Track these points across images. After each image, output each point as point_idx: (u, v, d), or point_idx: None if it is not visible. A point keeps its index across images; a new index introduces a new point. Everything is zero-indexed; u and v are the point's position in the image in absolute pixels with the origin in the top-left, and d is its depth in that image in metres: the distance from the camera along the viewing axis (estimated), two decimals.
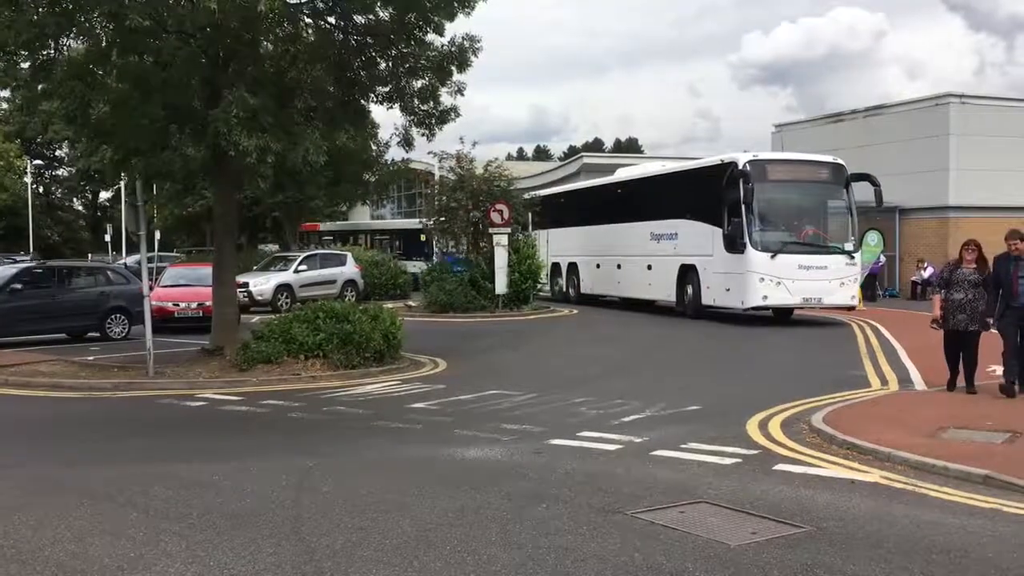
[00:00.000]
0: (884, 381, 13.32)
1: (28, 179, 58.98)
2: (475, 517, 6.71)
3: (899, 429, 9.39)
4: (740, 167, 20.85)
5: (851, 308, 22.04)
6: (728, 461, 8.43)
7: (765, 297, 20.65)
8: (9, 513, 6.89)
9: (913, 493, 7.30)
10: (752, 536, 6.21)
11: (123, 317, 20.69)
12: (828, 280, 20.85)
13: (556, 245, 31.12)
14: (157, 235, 32.92)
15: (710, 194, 22.23)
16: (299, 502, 7.16)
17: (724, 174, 21.49)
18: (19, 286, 19.78)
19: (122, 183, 39.06)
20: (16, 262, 28.54)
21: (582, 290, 30.00)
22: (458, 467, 8.50)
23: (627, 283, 26.97)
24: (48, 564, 5.74)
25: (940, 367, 14.03)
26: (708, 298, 22.48)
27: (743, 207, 20.73)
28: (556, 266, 31.40)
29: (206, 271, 22.43)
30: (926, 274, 30.78)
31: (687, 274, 23.40)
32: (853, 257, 21.46)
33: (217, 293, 16.62)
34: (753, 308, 21.05)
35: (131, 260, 40.32)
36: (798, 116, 70.04)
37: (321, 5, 15.62)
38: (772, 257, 20.50)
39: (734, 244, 21.05)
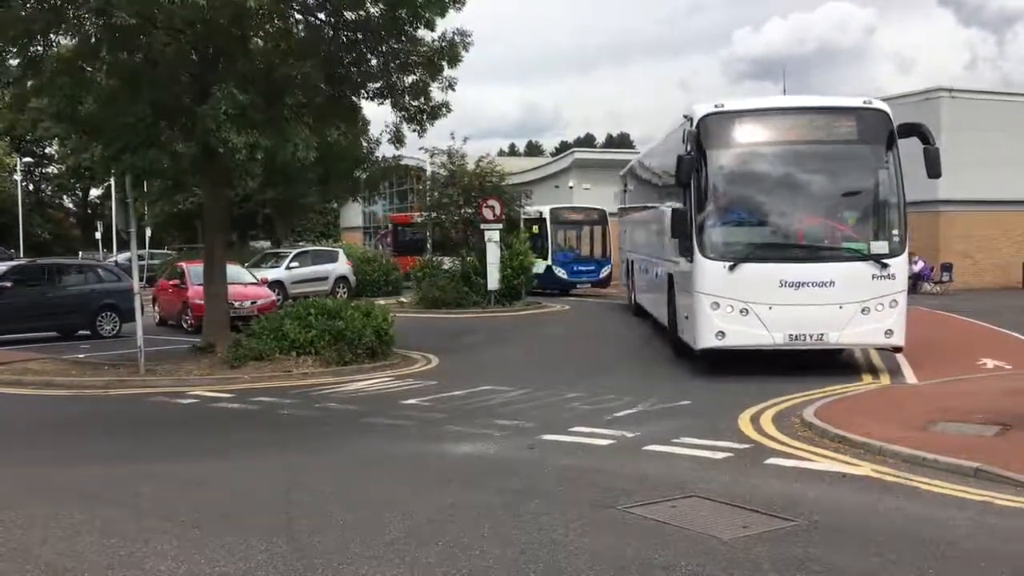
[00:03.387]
0: (875, 375, 13.35)
1: (18, 176, 58.72)
2: (467, 513, 6.70)
3: (890, 422, 9.40)
4: (693, 126, 13.30)
5: (896, 349, 13.45)
6: (720, 455, 8.44)
7: (721, 335, 12.81)
8: (1, 510, 6.85)
9: (904, 486, 7.31)
10: (744, 530, 6.21)
11: (114, 315, 20.60)
12: (837, 304, 12.66)
13: (626, 237, 25.00)
14: (148, 232, 32.75)
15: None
16: (290, 499, 7.15)
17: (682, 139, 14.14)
18: (9, 284, 19.69)
19: (112, 180, 38.95)
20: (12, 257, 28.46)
21: (635, 299, 22.79)
22: (450, 463, 8.50)
23: (639, 292, 22.12)
24: (38, 563, 5.72)
25: (932, 360, 14.09)
26: (683, 328, 14.62)
27: (692, 190, 13.15)
28: (627, 265, 24.34)
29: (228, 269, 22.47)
30: (917, 268, 30.84)
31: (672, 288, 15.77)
32: (887, 265, 12.74)
33: (208, 290, 16.58)
34: (704, 352, 13.26)
35: (122, 258, 40.22)
36: None
37: (311, 1, 15.58)
38: (731, 269, 12.67)
39: (684, 248, 13.63)
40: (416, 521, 6.50)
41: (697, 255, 13.03)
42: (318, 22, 15.89)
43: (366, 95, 16.44)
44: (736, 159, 13.48)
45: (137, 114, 14.43)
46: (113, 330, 20.51)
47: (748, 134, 13.51)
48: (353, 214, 60.48)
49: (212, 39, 14.50)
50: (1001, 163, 30.82)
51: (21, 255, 46.43)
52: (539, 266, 29.49)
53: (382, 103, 16.41)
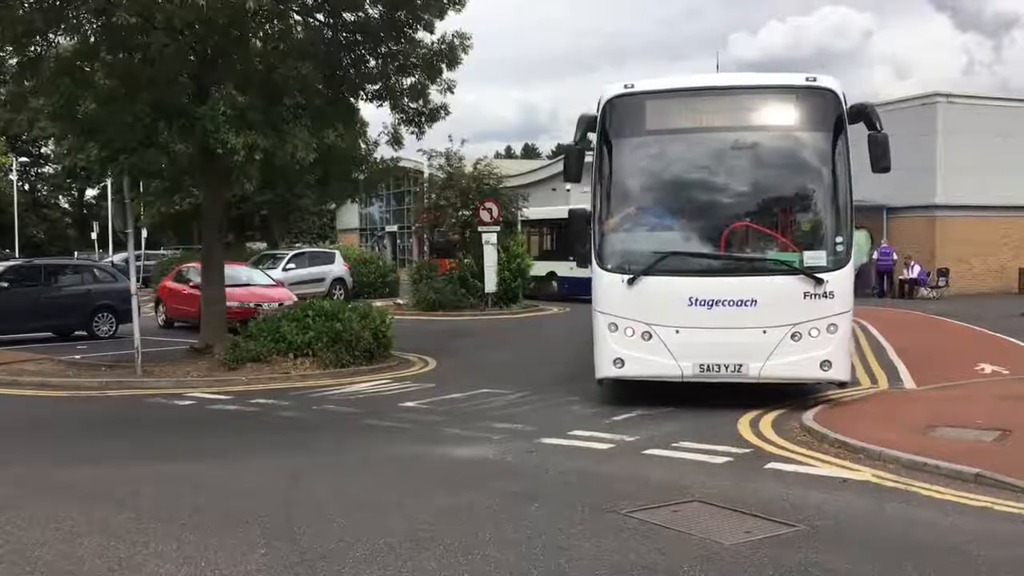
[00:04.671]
0: (874, 380, 13.35)
1: (13, 176, 58.61)
2: (468, 516, 6.69)
3: (890, 427, 9.41)
4: (598, 110, 11.19)
5: (841, 384, 11.15)
6: (720, 460, 8.43)
7: (619, 362, 10.86)
8: None
9: (905, 491, 7.31)
10: (746, 535, 6.20)
11: (110, 315, 20.56)
12: (760, 328, 10.44)
13: None
14: (144, 233, 32.72)
15: None
16: (290, 502, 7.12)
17: None
18: (5, 284, 19.64)
19: (109, 180, 38.87)
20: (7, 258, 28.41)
21: None
22: (450, 466, 8.48)
23: None
24: (37, 565, 5.69)
25: (929, 365, 14.11)
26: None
27: (594, 186, 11.22)
28: None
29: (238, 270, 22.37)
30: (914, 272, 30.90)
31: None
32: (823, 281, 10.38)
33: (205, 292, 16.54)
34: (604, 382, 11.47)
35: (118, 258, 40.15)
36: None
37: (310, 2, 15.56)
38: (630, 283, 10.68)
39: (583, 256, 11.84)
40: (417, 524, 6.48)
41: (595, 266, 11.01)
42: (317, 23, 15.87)
43: (365, 97, 16.43)
44: (645, 150, 11.42)
45: (136, 114, 14.40)
46: (109, 331, 20.46)
47: (661, 119, 11.29)
48: (350, 216, 60.47)
49: (211, 40, 14.48)
50: (998, 168, 30.93)
51: (16, 255, 46.33)
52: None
53: (381, 105, 16.40)
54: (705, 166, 11.33)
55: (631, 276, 10.71)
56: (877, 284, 31.69)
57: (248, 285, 22.26)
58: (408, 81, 16.05)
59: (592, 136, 11.20)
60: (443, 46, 15.59)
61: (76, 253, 51.55)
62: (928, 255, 31.38)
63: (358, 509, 6.89)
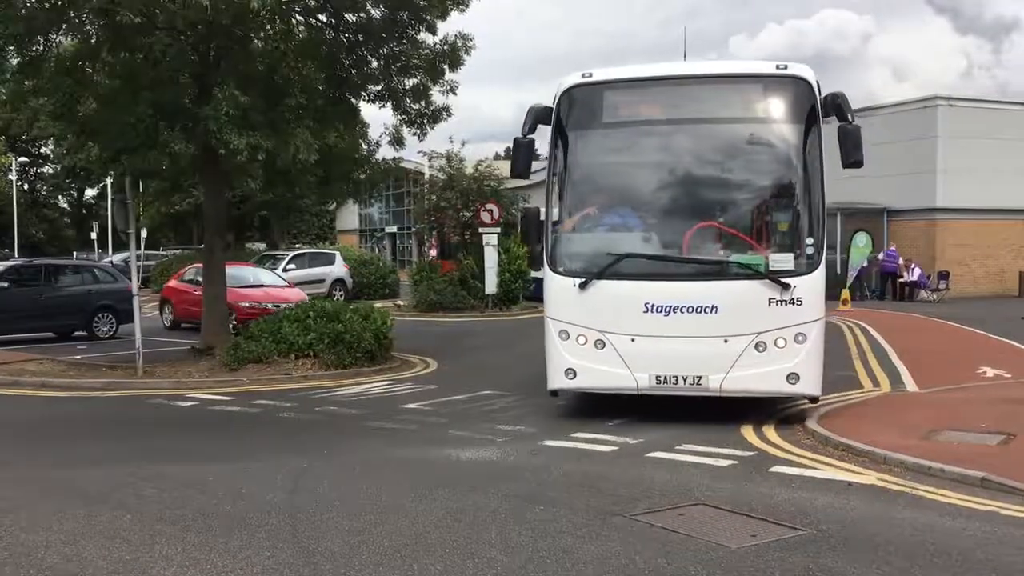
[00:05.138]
0: (876, 382, 13.34)
1: (13, 176, 58.57)
2: (473, 519, 6.67)
3: (893, 430, 9.39)
4: (555, 101, 10.51)
5: (812, 399, 10.26)
6: (724, 463, 8.41)
7: (571, 373, 10.21)
8: (1, 515, 6.80)
9: (911, 495, 7.30)
10: (752, 538, 6.19)
11: (110, 316, 20.54)
12: (721, 337, 9.71)
13: None
14: (144, 233, 32.70)
15: None
16: (294, 504, 7.10)
17: None
18: (5, 284, 19.62)
19: (108, 181, 38.86)
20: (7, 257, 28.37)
21: None
22: (454, 468, 8.45)
23: None
24: (42, 567, 5.66)
25: (931, 368, 14.10)
26: None
27: (548, 183, 10.75)
28: None
29: (243, 271, 22.26)
30: (914, 275, 30.90)
31: None
32: (790, 286, 9.59)
33: (207, 292, 16.52)
34: (554, 393, 10.72)
35: (117, 258, 40.13)
36: None
37: (312, 3, 15.56)
38: (582, 287, 10.03)
39: (536, 258, 10.93)
40: (422, 527, 6.46)
41: (546, 268, 10.38)
42: (319, 24, 15.88)
43: (367, 97, 16.44)
44: (602, 143, 10.78)
45: (137, 115, 14.39)
46: (110, 331, 20.45)
47: (619, 111, 10.63)
48: (349, 217, 60.47)
49: (214, 40, 14.48)
50: (998, 172, 30.96)
51: (16, 255, 46.30)
52: None
53: (383, 106, 16.42)
54: (667, 161, 10.54)
55: (583, 280, 10.03)
56: (879, 286, 31.68)
57: (262, 286, 22.21)
58: (410, 82, 16.07)
59: (545, 129, 10.55)
60: (445, 47, 15.61)
61: (75, 253, 51.53)
62: (928, 258, 31.37)
63: (362, 511, 6.86)
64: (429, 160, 29.52)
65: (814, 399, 10.27)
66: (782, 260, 9.73)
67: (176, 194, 42.55)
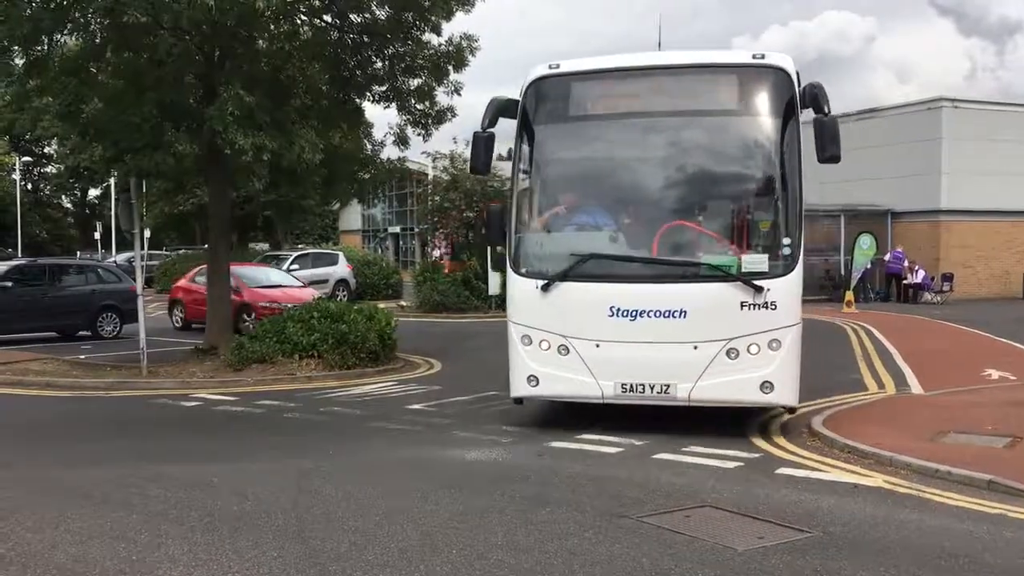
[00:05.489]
0: (881, 384, 13.31)
1: (16, 176, 58.65)
2: (479, 520, 6.66)
3: (899, 433, 9.37)
4: (521, 93, 10.03)
5: (789, 409, 9.87)
6: (730, 465, 8.40)
7: (533, 380, 9.70)
8: (7, 515, 6.80)
9: (917, 498, 7.28)
10: (759, 540, 6.17)
11: (114, 315, 20.56)
12: (691, 344, 9.18)
13: None
14: (147, 233, 32.72)
15: None
16: (300, 504, 7.09)
17: None
18: (9, 284, 19.64)
19: (112, 181, 38.90)
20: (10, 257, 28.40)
21: None
22: (459, 469, 8.44)
23: None
24: (49, 567, 5.66)
25: (936, 371, 14.08)
26: None
27: (512, 180, 10.25)
28: None
29: (260, 271, 22.19)
30: (918, 277, 30.86)
31: None
32: (763, 289, 9.03)
33: (211, 292, 16.53)
34: (518, 401, 10.22)
35: (120, 258, 40.17)
36: None
37: (317, 3, 15.57)
38: (545, 289, 9.51)
39: (496, 260, 10.46)
40: (428, 528, 6.45)
41: (509, 270, 9.90)
42: (324, 24, 15.88)
43: (371, 98, 16.45)
44: (568, 138, 10.26)
45: (143, 115, 14.41)
46: (114, 331, 20.47)
47: (587, 104, 10.10)
48: (352, 217, 60.45)
49: (218, 40, 14.48)
50: (1002, 173, 30.93)
51: (19, 254, 46.34)
52: None
53: (388, 106, 16.43)
54: (637, 156, 10.07)
55: (546, 282, 9.48)
56: (883, 288, 31.64)
57: (279, 286, 22.20)
58: (415, 82, 16.08)
59: (507, 122, 10.08)
60: (450, 48, 15.62)
61: (79, 253, 51.57)
62: (932, 260, 31.32)
63: (369, 512, 6.85)
64: (433, 161, 29.52)
65: (791, 409, 9.77)
66: (756, 261, 9.15)
67: (180, 194, 42.69)
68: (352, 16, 15.60)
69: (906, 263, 31.09)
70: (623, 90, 10.01)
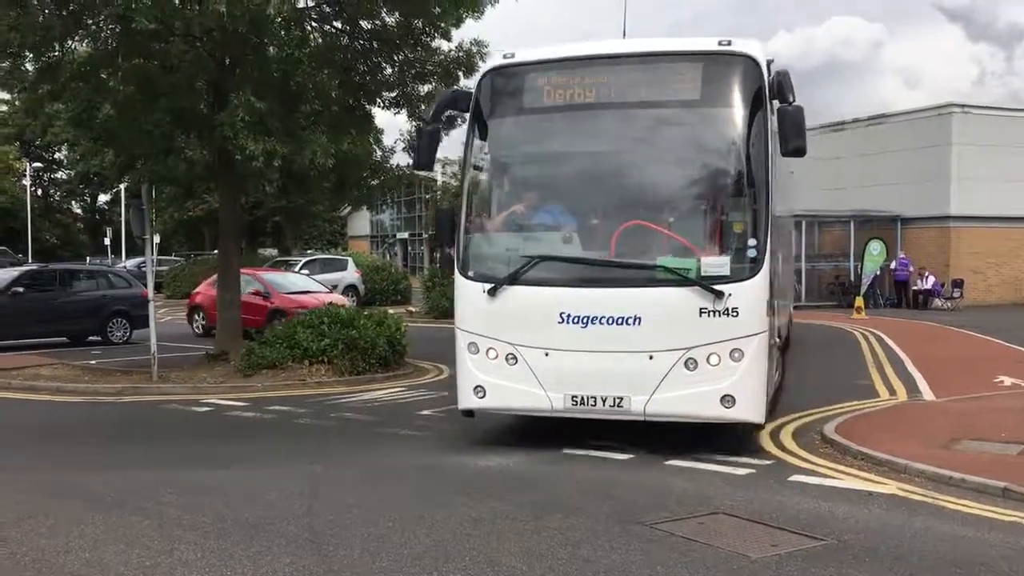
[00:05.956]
0: (892, 391, 13.26)
1: (27, 182, 58.90)
2: (492, 527, 6.64)
3: (912, 440, 9.33)
4: (476, 86, 9.64)
5: (758, 426, 9.06)
6: (742, 471, 8.37)
7: (480, 391, 9.16)
8: (20, 520, 6.81)
9: (932, 505, 7.24)
10: (773, 548, 6.14)
11: (124, 321, 20.64)
12: (646, 353, 8.56)
13: None
14: (157, 239, 32.84)
15: None
16: (312, 510, 7.09)
17: None
18: (21, 289, 19.73)
19: (122, 186, 39.03)
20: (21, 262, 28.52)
21: None
22: (471, 475, 8.43)
23: None
24: (63, 572, 5.66)
25: (948, 377, 14.01)
26: None
27: (462, 177, 10.01)
28: None
29: (289, 277, 22.21)
30: (928, 283, 30.77)
31: None
32: (724, 295, 8.37)
33: (221, 297, 16.55)
34: (467, 413, 9.60)
35: (130, 264, 40.30)
36: None
37: (328, 9, 15.61)
38: (491, 294, 8.94)
39: (445, 262, 9.57)
40: (441, 534, 6.43)
41: (456, 272, 9.31)
42: (334, 31, 15.92)
43: (382, 104, 16.47)
44: (521, 132, 9.63)
45: (153, 121, 14.45)
46: (123, 336, 20.54)
47: (542, 95, 9.30)
48: (360, 223, 60.59)
49: (229, 47, 14.52)
50: (1013, 179, 30.85)
51: (30, 260, 46.52)
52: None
53: (398, 112, 16.45)
54: (594, 151, 9.39)
55: (492, 285, 8.89)
56: (893, 294, 31.56)
57: (309, 292, 22.18)
58: (425, 88, 16.10)
59: (458, 116, 9.79)
60: (460, 54, 15.63)
61: (88, 258, 51.73)
62: (942, 266, 31.24)
63: (380, 518, 6.84)
64: (442, 167, 29.55)
65: (757, 426, 8.98)
66: (716, 264, 8.43)
67: (189, 200, 42.84)
68: (362, 22, 15.63)
69: (911, 269, 31.03)
70: (581, 80, 9.21)
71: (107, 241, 51.42)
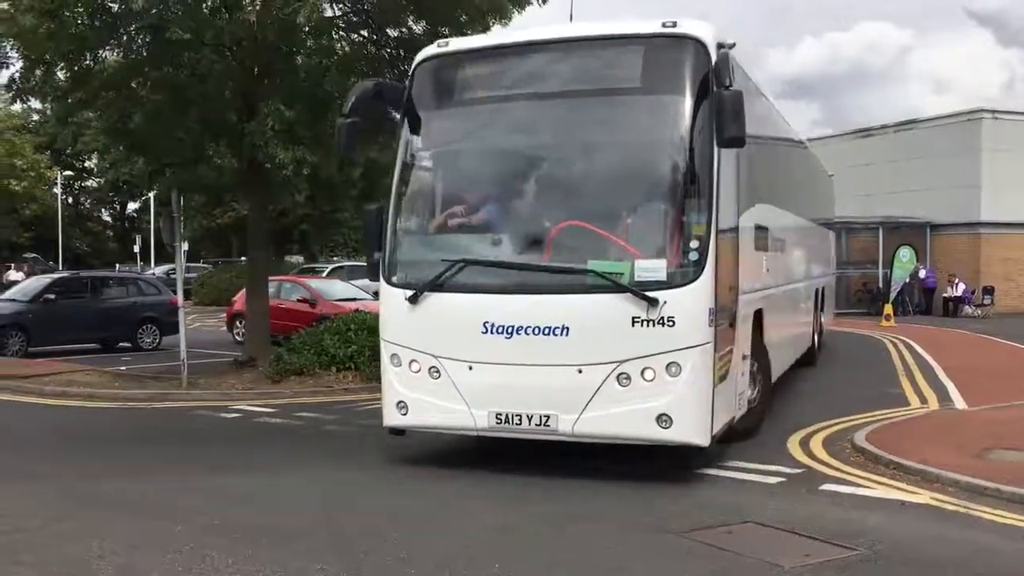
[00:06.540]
0: (924, 400, 13.12)
1: (58, 190, 59.63)
2: (519, 534, 6.64)
3: (944, 449, 9.22)
4: (409, 76, 9.01)
5: (700, 449, 7.98)
6: (773, 480, 8.31)
7: (402, 406, 8.55)
8: (52, 523, 6.90)
9: (966, 515, 7.15)
10: (805, 558, 6.09)
11: (154, 327, 20.84)
12: (574, 367, 7.81)
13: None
14: (185, 246, 33.17)
15: None
16: (343, 517, 7.12)
17: None
18: (52, 296, 19.97)
19: (152, 194, 39.46)
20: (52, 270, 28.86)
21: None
22: (496, 481, 8.40)
23: None
24: None
25: (980, 386, 13.84)
26: None
27: (393, 175, 8.94)
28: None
29: (335, 285, 22.73)
30: (958, 291, 30.46)
31: None
32: (658, 302, 7.52)
33: (250, 304, 16.67)
34: (395, 431, 8.96)
35: (159, 271, 40.68)
36: (825, 130, 69.55)
37: (355, 18, 15.70)
38: (413, 301, 8.31)
39: (370, 266, 9.01)
40: (468, 542, 6.43)
41: (381, 280, 8.67)
42: (361, 39, 16.01)
43: None
44: (455, 125, 8.98)
45: (184, 129, 14.60)
46: (153, 343, 20.73)
47: (473, 86, 8.79)
48: None
49: (259, 55, 14.65)
50: None
51: (60, 267, 47.11)
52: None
53: None
54: (528, 144, 8.82)
55: (413, 292, 8.28)
56: (922, 301, 31.27)
57: (353, 299, 22.22)
58: None
59: (383, 108, 9.21)
60: None
61: (117, 265, 52.30)
62: (973, 273, 30.92)
63: (409, 525, 6.86)
64: None
65: (700, 448, 7.95)
66: (650, 268, 7.63)
67: (217, 208, 43.14)
68: (389, 31, 15.71)
69: (934, 276, 30.80)
70: (516, 69, 8.66)
71: (136, 248, 51.95)
